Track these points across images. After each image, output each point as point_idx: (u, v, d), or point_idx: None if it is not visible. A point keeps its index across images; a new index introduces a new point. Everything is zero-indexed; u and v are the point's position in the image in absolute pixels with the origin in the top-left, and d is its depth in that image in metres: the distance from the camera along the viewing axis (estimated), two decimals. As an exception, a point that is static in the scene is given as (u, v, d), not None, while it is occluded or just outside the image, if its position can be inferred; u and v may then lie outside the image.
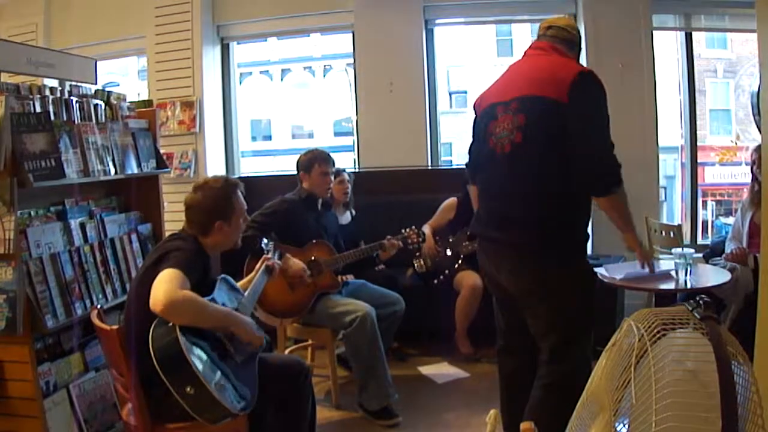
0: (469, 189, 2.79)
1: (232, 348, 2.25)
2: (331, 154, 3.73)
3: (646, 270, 3.48)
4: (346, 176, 4.10)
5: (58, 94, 2.84)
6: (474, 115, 2.58)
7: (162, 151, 3.44)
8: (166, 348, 2.04)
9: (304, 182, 3.66)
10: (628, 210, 2.39)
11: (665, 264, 3.60)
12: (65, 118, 2.81)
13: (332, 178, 3.69)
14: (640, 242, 2.67)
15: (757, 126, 4.03)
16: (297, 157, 3.74)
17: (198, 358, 2.09)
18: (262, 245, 3.15)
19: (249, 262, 3.22)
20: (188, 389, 2.02)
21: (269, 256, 2.88)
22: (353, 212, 4.18)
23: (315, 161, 3.62)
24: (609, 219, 2.40)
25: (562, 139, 2.19)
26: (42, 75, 2.97)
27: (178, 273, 2.13)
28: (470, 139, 2.61)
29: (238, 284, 2.64)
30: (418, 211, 4.32)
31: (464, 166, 2.71)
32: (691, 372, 1.17)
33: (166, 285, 2.08)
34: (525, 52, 2.52)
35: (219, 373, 2.13)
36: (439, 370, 3.98)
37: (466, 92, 16.82)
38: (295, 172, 3.73)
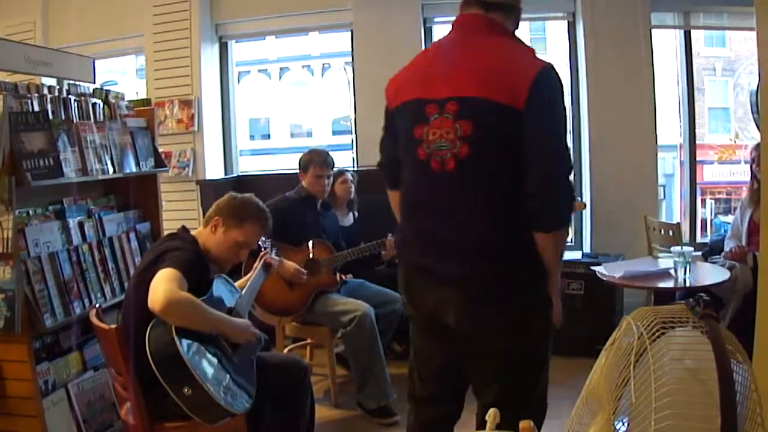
0: (389, 194, 2.21)
1: (230, 349, 2.25)
2: (332, 155, 3.72)
3: (646, 268, 3.49)
4: (350, 176, 4.08)
5: (56, 93, 2.84)
6: (389, 107, 2.06)
7: (160, 149, 3.43)
8: (162, 349, 2.04)
9: (304, 182, 3.66)
10: (563, 251, 1.92)
11: (664, 262, 3.61)
12: (63, 117, 2.81)
13: (327, 181, 3.67)
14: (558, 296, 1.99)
15: (756, 124, 4.03)
16: (295, 155, 3.74)
17: (208, 361, 2.09)
18: (260, 243, 3.15)
19: (246, 261, 3.22)
20: (185, 390, 2.02)
21: (267, 253, 2.88)
22: (356, 214, 4.18)
23: (311, 163, 3.62)
24: (541, 255, 1.86)
25: (518, 153, 1.78)
26: (40, 74, 2.97)
27: (177, 273, 2.13)
28: (385, 135, 2.12)
29: (236, 283, 2.64)
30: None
31: (378, 167, 2.21)
32: (691, 370, 1.17)
33: (165, 285, 2.08)
34: (454, 28, 1.99)
35: (217, 379, 2.13)
36: (438, 369, 3.97)
37: (464, 91, 16.80)
38: (295, 171, 3.74)
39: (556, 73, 1.82)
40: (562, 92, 1.83)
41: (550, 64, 1.82)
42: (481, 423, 1.76)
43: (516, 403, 1.78)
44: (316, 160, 3.62)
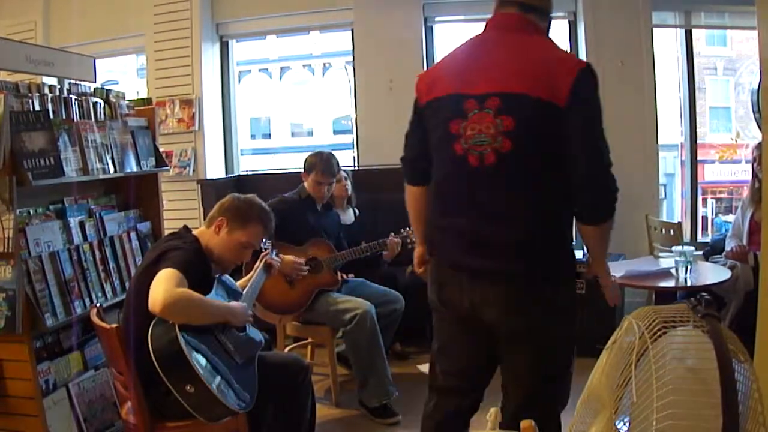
0: (407, 189, 2.24)
1: (232, 347, 2.25)
2: (338, 162, 3.71)
3: (647, 268, 3.49)
4: (344, 174, 4.08)
5: (57, 93, 2.84)
6: (419, 102, 2.08)
7: (161, 149, 3.43)
8: (165, 347, 2.05)
9: (305, 182, 3.66)
10: (608, 238, 1.98)
11: (665, 262, 3.60)
12: (64, 117, 2.81)
13: (327, 188, 3.66)
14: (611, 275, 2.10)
15: (757, 123, 4.03)
16: (296, 155, 3.74)
17: (197, 362, 2.09)
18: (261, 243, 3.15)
19: (247, 262, 3.22)
20: (188, 388, 2.02)
21: (268, 253, 2.88)
22: (356, 212, 4.17)
23: (315, 168, 3.61)
24: (586, 244, 2.01)
25: (559, 150, 1.83)
26: (41, 73, 2.96)
27: (177, 273, 2.13)
28: (412, 130, 2.17)
29: (237, 283, 2.64)
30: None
31: (400, 161, 2.23)
32: (692, 370, 1.17)
33: (164, 285, 2.08)
34: (489, 26, 2.01)
35: (219, 378, 2.13)
36: (439, 368, 3.97)
37: (465, 90, 16.80)
38: (299, 171, 3.75)
39: (595, 73, 1.85)
40: (598, 90, 1.87)
41: (588, 64, 1.86)
42: (510, 416, 1.90)
43: (546, 394, 1.93)
44: (320, 167, 3.60)
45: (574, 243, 2.02)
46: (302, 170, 3.70)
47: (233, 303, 2.36)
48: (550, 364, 1.97)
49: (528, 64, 1.85)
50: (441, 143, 1.97)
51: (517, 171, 1.86)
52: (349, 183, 4.10)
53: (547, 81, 1.80)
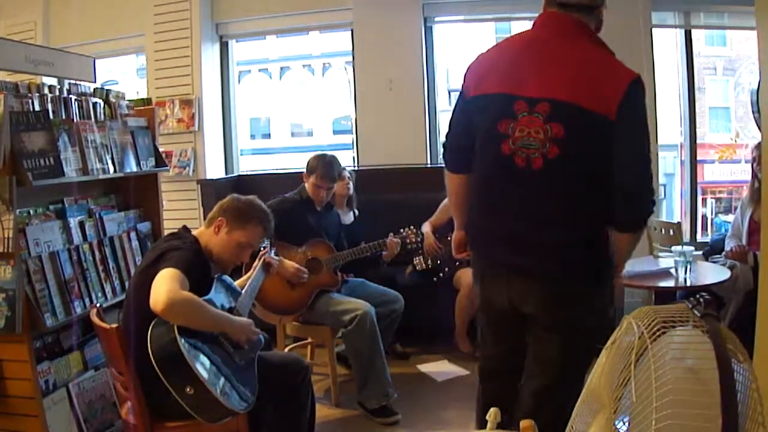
0: (447, 176, 2.25)
1: (231, 348, 2.25)
2: (339, 166, 3.71)
3: (647, 268, 3.49)
4: (347, 174, 4.09)
5: (57, 93, 2.84)
6: (466, 94, 2.07)
7: (161, 149, 3.43)
8: (164, 348, 2.04)
9: (306, 183, 3.66)
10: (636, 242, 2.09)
11: (665, 262, 3.60)
12: (64, 117, 2.81)
13: (326, 193, 3.66)
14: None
15: (757, 123, 4.03)
16: (296, 155, 3.75)
17: (201, 364, 2.09)
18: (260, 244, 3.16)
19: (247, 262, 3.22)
20: (188, 389, 2.02)
21: (266, 252, 2.88)
22: (356, 212, 4.18)
23: (315, 171, 3.61)
24: (617, 246, 2.07)
25: (605, 159, 1.88)
26: (41, 73, 2.96)
27: (178, 273, 2.13)
28: (456, 119, 2.14)
29: (236, 282, 2.64)
30: (417, 209, 4.31)
31: (443, 147, 2.25)
32: (691, 370, 1.17)
33: (167, 285, 2.08)
34: (538, 25, 2.02)
35: (223, 379, 2.13)
36: (439, 368, 3.98)
37: (465, 90, 16.80)
38: (298, 172, 3.75)
39: (643, 84, 1.89)
40: (645, 108, 1.91)
41: (638, 75, 1.88)
42: (531, 406, 2.07)
43: (568, 385, 1.92)
44: (320, 171, 3.59)
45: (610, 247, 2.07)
46: (304, 171, 3.70)
47: (238, 318, 2.35)
48: (581, 352, 2.05)
49: (579, 72, 1.88)
50: (487, 141, 2.01)
51: (562, 177, 1.92)
52: (351, 184, 4.11)
53: (598, 92, 1.84)
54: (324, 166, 3.61)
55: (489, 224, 2.08)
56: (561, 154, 1.88)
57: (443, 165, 2.27)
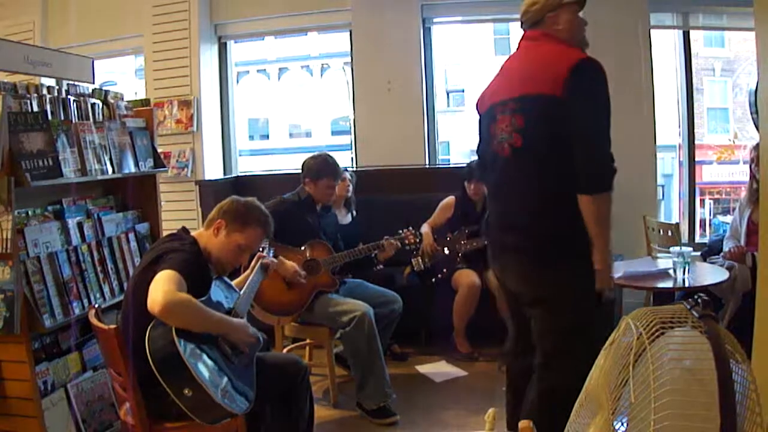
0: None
1: (229, 349, 2.25)
2: (337, 160, 3.72)
3: (645, 269, 3.49)
4: (348, 176, 4.10)
5: (56, 93, 2.84)
6: (478, 116, 2.51)
7: (159, 150, 3.43)
8: (162, 350, 2.04)
9: (308, 188, 3.65)
10: (606, 220, 2.14)
11: (663, 262, 3.61)
12: (62, 117, 2.81)
13: (335, 192, 3.71)
14: (610, 263, 2.22)
15: (755, 124, 4.03)
16: (294, 155, 3.75)
17: (204, 364, 2.09)
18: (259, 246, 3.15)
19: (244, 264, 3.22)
20: (186, 391, 2.01)
21: (264, 254, 2.88)
22: (354, 213, 4.18)
23: (324, 175, 3.60)
24: (586, 223, 2.15)
25: (563, 139, 2.08)
26: (39, 74, 2.96)
27: (176, 275, 2.12)
28: (477, 140, 2.55)
29: (233, 282, 2.64)
30: (415, 209, 4.32)
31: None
32: (690, 370, 1.17)
33: (164, 286, 2.08)
34: (518, 44, 2.40)
35: (225, 379, 2.13)
36: (437, 369, 3.98)
37: (463, 91, 16.85)
38: (297, 172, 3.73)
39: (597, 65, 2.12)
40: (603, 83, 2.11)
41: (587, 57, 2.15)
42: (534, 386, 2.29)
43: (563, 354, 2.19)
44: (329, 171, 3.61)
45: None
46: (304, 176, 3.67)
47: (236, 320, 2.34)
48: (567, 328, 2.21)
49: (535, 65, 2.21)
50: (487, 144, 2.40)
51: (526, 162, 2.20)
52: (351, 186, 4.11)
53: (546, 75, 2.12)
54: (329, 166, 3.63)
55: (490, 211, 2.50)
56: (523, 141, 2.18)
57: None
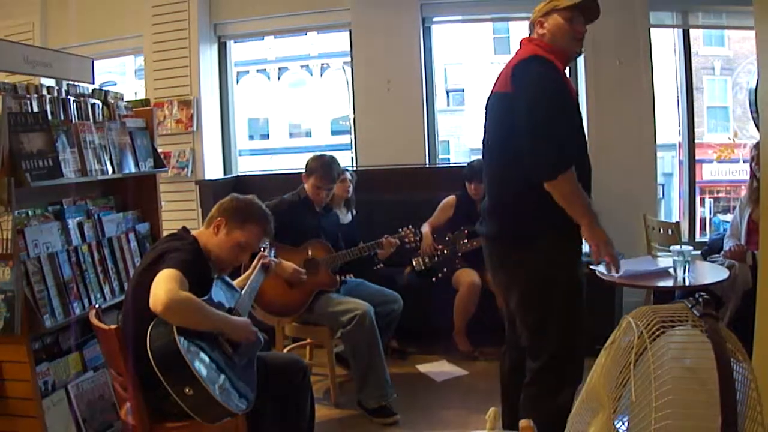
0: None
1: (230, 348, 2.25)
2: (339, 167, 3.70)
3: (645, 268, 3.49)
4: (349, 176, 4.09)
5: (56, 94, 2.84)
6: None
7: (159, 150, 3.43)
8: (163, 348, 2.04)
9: (305, 183, 3.65)
10: (579, 198, 2.21)
11: (664, 261, 3.60)
12: (62, 118, 2.81)
13: (326, 194, 3.65)
14: (605, 239, 2.28)
15: (755, 123, 4.03)
16: (294, 155, 3.75)
17: (201, 361, 2.08)
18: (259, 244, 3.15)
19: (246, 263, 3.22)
20: (187, 390, 2.01)
21: (265, 253, 2.88)
22: (354, 212, 4.18)
23: (315, 173, 3.60)
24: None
25: (516, 131, 2.19)
26: (39, 74, 2.96)
27: (178, 273, 2.12)
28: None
29: (235, 282, 2.64)
30: (415, 209, 4.32)
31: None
32: (690, 369, 1.17)
33: (167, 285, 2.07)
34: None
35: (222, 376, 2.13)
36: (438, 368, 3.98)
37: (463, 90, 16.85)
38: (297, 172, 3.75)
39: (541, 61, 2.23)
40: (546, 77, 2.20)
41: (538, 55, 2.25)
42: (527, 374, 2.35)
43: (538, 345, 2.31)
44: (320, 172, 3.59)
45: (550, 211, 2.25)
46: (303, 172, 3.69)
47: (237, 318, 2.35)
48: (532, 316, 2.34)
49: (505, 68, 2.35)
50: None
51: (493, 155, 2.42)
52: (351, 186, 4.10)
53: (505, 74, 2.30)
54: (323, 167, 3.60)
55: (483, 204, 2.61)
56: (492, 135, 2.40)
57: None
